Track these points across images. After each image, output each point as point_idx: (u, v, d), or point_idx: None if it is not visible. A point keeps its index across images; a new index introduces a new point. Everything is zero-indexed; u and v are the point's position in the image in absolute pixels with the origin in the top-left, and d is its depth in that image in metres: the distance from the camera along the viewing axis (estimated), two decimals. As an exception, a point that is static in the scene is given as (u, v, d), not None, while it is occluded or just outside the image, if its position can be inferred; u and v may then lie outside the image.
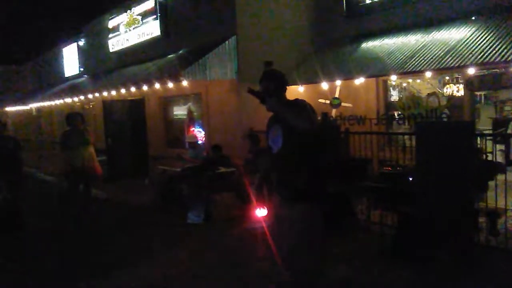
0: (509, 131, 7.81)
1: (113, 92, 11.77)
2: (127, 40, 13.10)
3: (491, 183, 5.17)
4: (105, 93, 12.28)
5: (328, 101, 8.85)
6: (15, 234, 6.67)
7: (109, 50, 14.28)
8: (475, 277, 4.34)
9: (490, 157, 5.70)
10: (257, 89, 3.55)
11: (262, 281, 4.53)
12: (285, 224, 3.32)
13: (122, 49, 13.54)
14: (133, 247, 5.95)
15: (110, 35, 14.08)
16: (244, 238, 6.00)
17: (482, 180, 5.20)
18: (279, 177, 3.47)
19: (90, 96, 13.53)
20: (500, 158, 7.69)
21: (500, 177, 5.20)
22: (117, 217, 7.79)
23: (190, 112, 10.84)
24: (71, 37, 17.86)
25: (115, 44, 13.90)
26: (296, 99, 3.49)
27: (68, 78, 18.30)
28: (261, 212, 6.68)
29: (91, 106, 15.99)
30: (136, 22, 12.45)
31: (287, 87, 3.69)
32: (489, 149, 5.97)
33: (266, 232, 5.95)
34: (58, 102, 16.57)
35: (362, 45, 9.21)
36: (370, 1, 9.30)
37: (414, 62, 7.31)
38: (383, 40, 8.87)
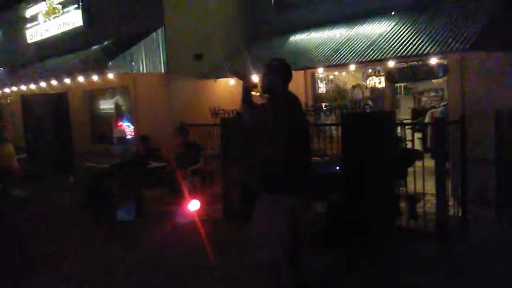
0: (426, 121, 8.33)
1: (33, 86, 11.08)
2: (47, 30, 12.34)
3: (410, 169, 5.50)
4: (23, 87, 11.53)
5: (259, 93, 8.92)
6: None
7: (27, 41, 13.39)
8: (396, 257, 4.60)
9: (409, 145, 6.06)
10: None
11: (190, 275, 4.50)
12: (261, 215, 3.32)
13: (42, 40, 12.74)
14: (56, 247, 5.64)
15: (28, 25, 13.19)
16: (175, 232, 5.93)
17: (402, 166, 5.53)
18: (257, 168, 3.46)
19: (7, 90, 12.65)
20: (418, 146, 8.21)
21: (419, 163, 5.54)
22: (39, 216, 7.35)
23: (117, 106, 10.48)
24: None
25: (34, 34, 13.05)
26: (282, 94, 3.45)
27: (-18, 71, 16.95)
28: (193, 206, 6.65)
29: (8, 101, 14.94)
30: (57, 11, 11.75)
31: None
32: (408, 137, 6.35)
33: (198, 226, 5.95)
34: (-29, 96, 15.33)
35: (291, 38, 9.37)
36: (297, -5, 9.48)
37: (339, 55, 7.57)
38: (310, 34, 9.09)
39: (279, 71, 3.48)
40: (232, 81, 9.41)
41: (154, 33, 8.86)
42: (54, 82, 10.20)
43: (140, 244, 5.64)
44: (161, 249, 5.35)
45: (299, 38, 9.20)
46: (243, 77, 3.48)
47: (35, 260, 5.25)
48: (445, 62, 7.10)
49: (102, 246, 5.66)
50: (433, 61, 6.76)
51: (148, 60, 8.82)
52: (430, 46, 6.39)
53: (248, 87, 3.43)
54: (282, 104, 3.36)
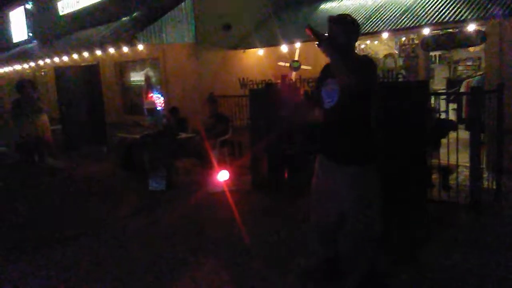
0: (461, 90, 8.05)
1: (65, 58, 11.26)
2: (78, 2, 12.46)
3: (444, 141, 5.36)
4: (56, 59, 11.74)
5: (287, 64, 8.81)
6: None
7: (58, 13, 13.57)
8: (428, 229, 4.54)
9: (443, 116, 5.87)
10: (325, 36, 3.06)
11: (219, 243, 4.58)
12: (335, 189, 3.17)
13: (73, 11, 12.88)
14: (92, 216, 5.84)
15: (59, -3, 13.36)
16: (205, 202, 6.02)
17: (435, 137, 5.38)
18: (329, 137, 3.24)
19: (41, 62, 12.92)
20: (452, 116, 7.96)
21: (452, 135, 5.39)
22: (74, 186, 7.60)
23: (147, 78, 10.54)
24: (17, 0, 16.82)
25: (65, 6, 13.21)
26: (364, 56, 3.26)
27: (17, 44, 17.35)
28: (222, 176, 6.72)
29: (42, 73, 15.30)
30: (86, -18, 11.83)
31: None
32: (442, 108, 6.17)
33: (227, 196, 6.02)
34: (7, 69, 15.75)
35: (321, 6, 9.14)
36: (328, -39, 9.17)
37: (371, 23, 7.34)
38: (341, 1, 8.83)
39: (354, 29, 3.13)
40: (260, 52, 9.31)
41: (182, 3, 8.80)
42: (85, 54, 10.34)
43: (171, 213, 5.76)
44: (191, 217, 5.45)
45: (329, 5, 8.96)
46: (323, 36, 3.01)
47: (69, 226, 5.44)
48: (483, 29, 6.78)
49: (134, 214, 5.81)
50: (471, 27, 6.46)
51: (177, 30, 8.79)
52: (468, 11, 6.12)
53: (332, 46, 2.98)
54: (376, 68, 3.12)
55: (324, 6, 9.05)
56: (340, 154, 3.18)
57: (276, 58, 9.06)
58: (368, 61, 3.09)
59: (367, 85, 2.97)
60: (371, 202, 3.14)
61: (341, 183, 3.15)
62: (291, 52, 8.81)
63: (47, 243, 4.88)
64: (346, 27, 3.08)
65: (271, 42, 8.89)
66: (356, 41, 3.19)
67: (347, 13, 8.10)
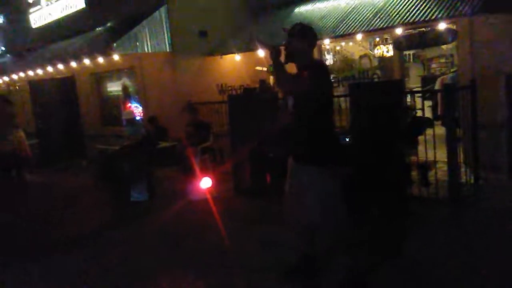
0: (436, 88, 8.20)
1: (40, 71, 11.10)
2: (50, 14, 12.28)
3: (421, 138, 5.45)
4: (31, 73, 11.56)
5: (265, 68, 8.85)
6: None
7: (31, 26, 13.35)
8: (410, 226, 4.60)
9: (419, 113, 5.98)
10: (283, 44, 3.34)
11: (202, 250, 4.56)
12: (302, 189, 3.27)
13: (46, 24, 12.69)
14: (73, 230, 5.74)
15: (31, 10, 13.14)
16: (188, 210, 5.99)
17: (412, 135, 5.48)
18: (292, 138, 3.42)
19: (14, 76, 12.70)
20: (428, 114, 8.11)
21: (429, 132, 5.49)
22: (53, 201, 7.46)
23: (125, 88, 10.47)
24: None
25: (37, 19, 13.00)
26: (316, 61, 3.43)
27: (-11, 59, 17.01)
28: (205, 183, 6.69)
29: (17, 87, 15.03)
30: (58, -6, 11.68)
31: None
32: (418, 105, 6.28)
33: (209, 203, 6.00)
34: (-20, 85, 15.44)
35: (295, 10, 9.22)
36: (301, -35, 9.26)
37: (345, 25, 7.43)
38: (315, 4, 8.93)
39: (306, 36, 3.32)
40: (238, 57, 9.33)
41: (157, 12, 8.77)
42: (60, 66, 10.21)
43: (153, 223, 5.71)
44: (175, 226, 5.41)
45: (304, 9, 9.05)
46: (271, 47, 3.26)
47: (53, 242, 5.34)
48: (454, 27, 6.93)
49: (115, 226, 5.74)
50: (442, 26, 6.60)
51: (153, 39, 8.75)
52: (438, 10, 6.25)
53: (277, 56, 3.24)
54: (324, 73, 3.28)
55: (299, 10, 9.14)
56: (300, 155, 3.33)
57: (254, 63, 9.10)
58: (316, 68, 3.24)
59: (316, 90, 3.11)
60: (333, 202, 3.22)
61: (304, 183, 3.27)
62: (268, 56, 8.86)
63: (35, 258, 4.79)
64: (296, 37, 3.29)
65: (248, 47, 8.92)
66: (312, 47, 3.36)
67: (320, 16, 8.23)
